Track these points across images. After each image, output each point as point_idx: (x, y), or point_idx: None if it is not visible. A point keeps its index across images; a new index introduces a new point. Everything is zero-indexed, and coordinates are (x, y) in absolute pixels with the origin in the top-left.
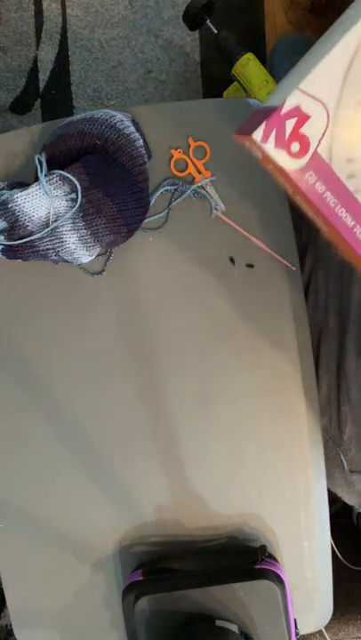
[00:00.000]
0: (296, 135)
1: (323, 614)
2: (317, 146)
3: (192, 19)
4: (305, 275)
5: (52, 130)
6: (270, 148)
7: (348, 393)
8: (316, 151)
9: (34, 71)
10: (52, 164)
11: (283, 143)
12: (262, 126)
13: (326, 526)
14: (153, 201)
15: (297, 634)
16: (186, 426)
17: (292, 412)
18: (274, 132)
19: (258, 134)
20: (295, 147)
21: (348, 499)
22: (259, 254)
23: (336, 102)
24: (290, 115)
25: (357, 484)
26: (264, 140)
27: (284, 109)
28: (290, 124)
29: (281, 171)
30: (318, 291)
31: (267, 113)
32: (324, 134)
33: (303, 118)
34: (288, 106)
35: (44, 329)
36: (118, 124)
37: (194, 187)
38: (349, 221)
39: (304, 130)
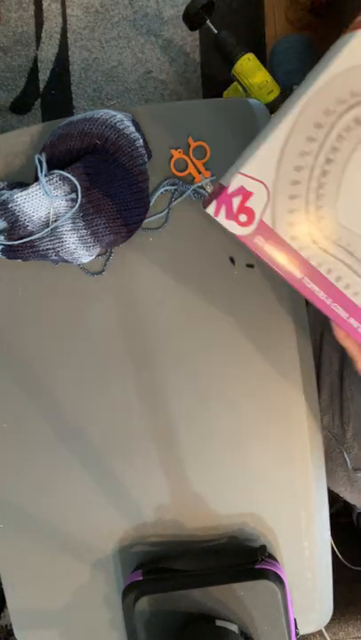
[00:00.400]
0: (242, 208)
1: (323, 614)
2: (262, 215)
3: (192, 19)
4: None
5: (52, 130)
6: (222, 219)
7: (351, 391)
8: (261, 220)
9: (34, 71)
10: (52, 164)
11: (232, 216)
12: (214, 203)
13: (326, 526)
14: (153, 201)
15: (297, 634)
16: (186, 426)
17: (293, 411)
18: (223, 208)
19: (211, 209)
20: (243, 217)
21: (351, 497)
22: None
23: (273, 181)
24: (235, 193)
25: (360, 483)
26: (216, 214)
27: (230, 190)
28: (236, 201)
29: (235, 236)
30: None
31: (218, 192)
32: (266, 205)
33: (247, 195)
34: (233, 187)
35: (44, 329)
36: (118, 123)
37: (194, 187)
38: (298, 274)
39: (249, 204)
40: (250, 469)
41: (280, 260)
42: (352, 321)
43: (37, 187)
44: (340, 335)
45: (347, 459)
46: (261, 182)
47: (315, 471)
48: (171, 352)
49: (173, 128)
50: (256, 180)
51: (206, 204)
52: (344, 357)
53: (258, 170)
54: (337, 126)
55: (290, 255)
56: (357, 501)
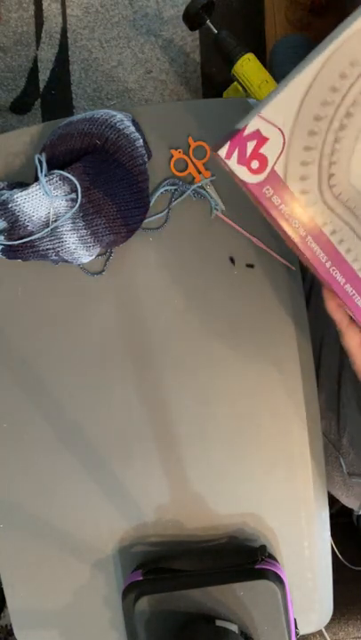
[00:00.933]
0: (256, 154)
1: (323, 614)
2: (274, 164)
3: (192, 19)
4: (308, 281)
5: (52, 130)
6: (233, 164)
7: (347, 397)
8: (273, 169)
9: (34, 71)
10: (52, 164)
11: (244, 161)
12: (227, 145)
13: (326, 526)
14: (153, 201)
15: (297, 634)
16: (186, 426)
17: (293, 412)
18: (237, 151)
19: (223, 152)
20: (255, 164)
21: (347, 501)
22: (259, 254)
23: (291, 129)
24: (251, 137)
25: (356, 487)
26: (228, 157)
27: (246, 132)
28: (250, 145)
29: (243, 183)
30: (321, 297)
31: (232, 134)
32: (280, 155)
33: (262, 140)
34: (249, 129)
35: (43, 329)
36: (118, 123)
37: (194, 187)
38: (302, 231)
39: (263, 150)
40: (250, 469)
41: (286, 214)
42: (348, 287)
43: (37, 187)
44: (331, 305)
45: (343, 464)
46: (279, 129)
47: (315, 471)
48: (171, 352)
49: (173, 128)
50: (274, 125)
51: (218, 147)
52: (343, 363)
53: (277, 114)
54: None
55: (297, 210)
56: (354, 505)
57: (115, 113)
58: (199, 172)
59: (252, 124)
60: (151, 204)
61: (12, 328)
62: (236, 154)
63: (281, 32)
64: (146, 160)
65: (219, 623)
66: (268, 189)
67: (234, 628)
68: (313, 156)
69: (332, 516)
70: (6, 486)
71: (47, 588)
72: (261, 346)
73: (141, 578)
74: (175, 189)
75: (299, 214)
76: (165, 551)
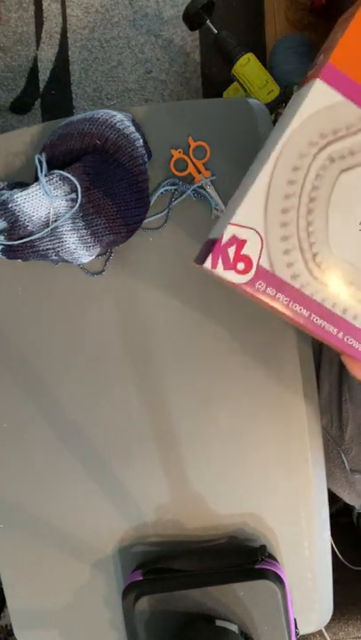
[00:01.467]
0: (239, 257)
1: (323, 614)
2: (258, 260)
3: (192, 19)
4: None
5: (52, 130)
6: (220, 271)
7: (349, 392)
8: (258, 265)
9: (34, 71)
10: (52, 164)
11: (230, 266)
12: (210, 257)
13: (326, 526)
14: (153, 201)
15: (297, 634)
16: (185, 425)
17: (293, 412)
18: (220, 259)
19: (208, 263)
20: (241, 265)
21: (349, 499)
22: None
23: (263, 226)
24: (229, 244)
25: (358, 484)
26: (214, 267)
27: (223, 241)
28: (231, 250)
29: (235, 285)
30: None
31: (211, 245)
32: (261, 251)
33: (241, 243)
34: (226, 238)
35: (43, 329)
36: (118, 124)
37: (194, 187)
38: (304, 312)
39: (245, 251)
40: (250, 469)
41: (285, 301)
42: None
43: (37, 187)
44: (356, 371)
45: (345, 460)
46: (252, 229)
47: (315, 471)
48: (170, 352)
49: (173, 128)
50: (247, 227)
51: (200, 261)
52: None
53: (247, 217)
54: (313, 167)
55: (293, 294)
56: (356, 502)
57: (115, 113)
58: (199, 172)
59: (227, 232)
60: (151, 204)
61: (12, 328)
62: (220, 262)
63: (281, 32)
64: (146, 160)
65: (219, 623)
66: (260, 284)
67: (234, 627)
68: (292, 242)
69: (332, 516)
70: (6, 486)
71: (47, 588)
72: (261, 345)
73: (141, 578)
74: (175, 189)
75: (296, 298)
76: (165, 551)
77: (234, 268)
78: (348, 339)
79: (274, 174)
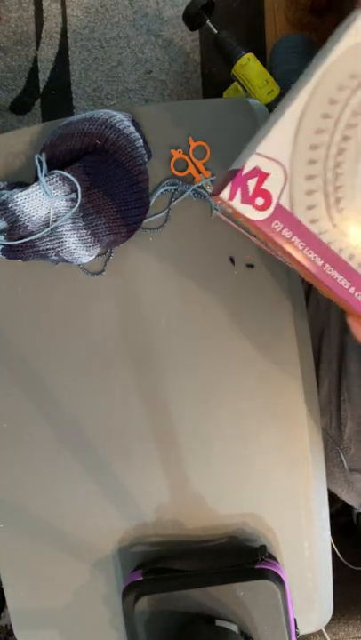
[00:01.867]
0: (259, 191)
1: (323, 614)
2: (279, 198)
3: (192, 19)
4: None
5: (52, 130)
6: (237, 204)
7: (348, 392)
8: (278, 203)
9: (34, 71)
10: (52, 164)
11: (247, 199)
12: (228, 187)
13: (326, 526)
14: (153, 201)
15: (297, 634)
16: (185, 425)
17: (293, 412)
18: (239, 191)
19: (225, 194)
20: (259, 201)
21: (348, 498)
22: (259, 254)
23: (290, 160)
24: (251, 175)
25: (357, 484)
26: (231, 199)
27: (245, 171)
28: (252, 183)
29: (250, 222)
30: (320, 293)
31: (232, 175)
32: (283, 188)
33: (263, 176)
34: (248, 168)
35: (43, 329)
36: (118, 124)
37: (194, 187)
38: (318, 261)
39: (265, 186)
40: (250, 469)
41: (300, 245)
42: None
43: (37, 187)
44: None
45: (343, 460)
46: (278, 162)
47: (315, 471)
48: (171, 352)
49: (173, 128)
50: (272, 159)
51: (218, 190)
52: (342, 359)
53: (273, 149)
54: (351, 102)
55: (310, 240)
56: (354, 502)
57: (115, 113)
58: (199, 172)
59: (250, 162)
60: (151, 204)
61: (12, 328)
62: (238, 194)
63: (281, 32)
64: (146, 160)
65: (219, 623)
66: (277, 224)
67: (234, 627)
68: (316, 183)
69: (332, 516)
70: (6, 486)
71: (47, 588)
72: (261, 346)
73: (141, 578)
74: (175, 189)
75: (313, 244)
76: (165, 551)
77: (252, 202)
78: (359, 295)
79: (308, 104)
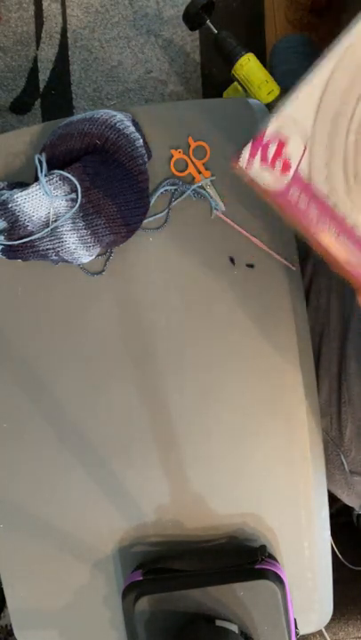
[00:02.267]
0: (278, 157)
1: (323, 614)
2: (298, 166)
3: (192, 19)
4: (307, 277)
5: (52, 130)
6: (257, 167)
7: (348, 394)
8: (297, 170)
9: (34, 71)
10: (52, 164)
11: (266, 164)
12: (248, 150)
13: (326, 526)
14: (153, 201)
15: (297, 634)
16: (185, 426)
17: (293, 412)
18: (258, 156)
19: (245, 156)
20: (278, 165)
21: (348, 500)
22: (259, 254)
23: (312, 127)
24: (272, 139)
25: (357, 486)
26: (249, 163)
27: (267, 135)
28: (272, 148)
29: (266, 189)
30: (320, 293)
31: (252, 138)
32: (302, 156)
33: (283, 142)
34: (270, 131)
35: (43, 329)
36: (118, 124)
37: (194, 187)
38: (333, 232)
39: (285, 152)
40: (250, 469)
41: (315, 215)
42: None
43: (37, 187)
44: None
45: (344, 462)
46: (299, 129)
47: (315, 471)
48: (171, 352)
49: (173, 128)
50: (294, 124)
51: (238, 155)
52: (342, 360)
53: (296, 112)
54: None
55: (325, 210)
56: (355, 503)
57: (115, 113)
58: (199, 172)
59: (273, 125)
60: (151, 204)
61: (12, 328)
62: (258, 156)
63: (281, 32)
64: (146, 160)
65: (219, 623)
66: (293, 192)
67: (234, 627)
68: (336, 155)
69: (332, 516)
70: (6, 486)
71: (47, 588)
72: (261, 346)
73: (141, 578)
74: (175, 189)
75: (327, 216)
76: (165, 551)
77: (271, 166)
78: None
79: (336, 70)
